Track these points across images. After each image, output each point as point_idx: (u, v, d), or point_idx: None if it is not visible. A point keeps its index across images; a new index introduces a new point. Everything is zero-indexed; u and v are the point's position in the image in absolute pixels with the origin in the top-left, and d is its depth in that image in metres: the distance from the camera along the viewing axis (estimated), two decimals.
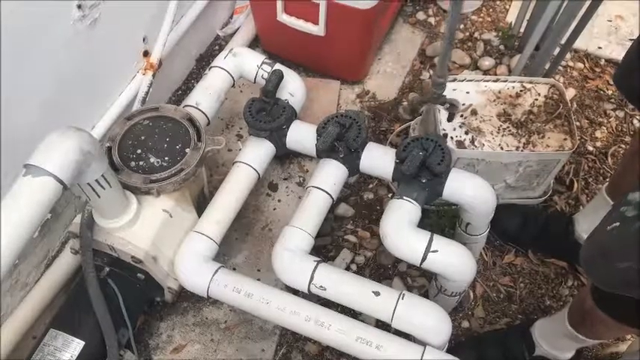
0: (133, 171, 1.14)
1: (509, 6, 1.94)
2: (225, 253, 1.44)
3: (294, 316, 1.03)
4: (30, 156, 0.86)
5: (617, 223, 0.73)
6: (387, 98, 1.73)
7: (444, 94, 1.46)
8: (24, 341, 1.23)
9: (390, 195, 1.55)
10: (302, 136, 1.22)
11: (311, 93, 1.52)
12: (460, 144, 1.31)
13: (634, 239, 0.69)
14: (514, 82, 1.41)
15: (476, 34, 1.86)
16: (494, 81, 1.41)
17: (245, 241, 1.48)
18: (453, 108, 1.53)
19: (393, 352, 0.98)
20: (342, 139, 1.16)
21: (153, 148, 1.18)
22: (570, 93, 1.73)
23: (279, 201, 1.54)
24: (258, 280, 1.13)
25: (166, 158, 1.17)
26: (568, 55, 1.79)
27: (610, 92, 1.74)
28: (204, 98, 1.30)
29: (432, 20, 1.91)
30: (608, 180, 1.54)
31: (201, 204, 1.29)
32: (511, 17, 1.88)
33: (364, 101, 1.72)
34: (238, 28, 1.80)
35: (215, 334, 1.35)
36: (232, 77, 1.35)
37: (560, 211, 1.52)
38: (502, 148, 1.31)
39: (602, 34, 1.86)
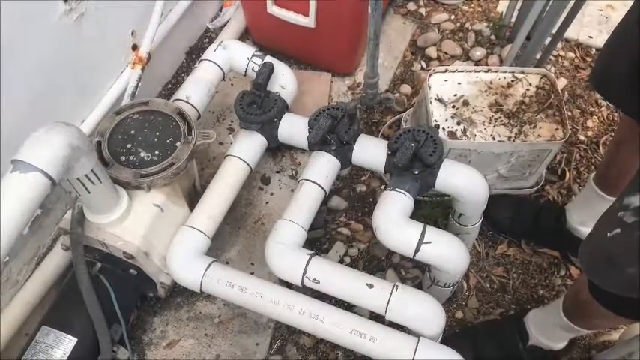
0: (123, 166, 1.13)
1: None
2: (217, 248, 1.43)
3: (288, 309, 1.03)
4: (18, 151, 0.85)
5: (618, 230, 0.73)
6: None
7: (378, 91, 1.55)
8: (16, 338, 1.22)
9: (382, 187, 1.55)
10: (294, 128, 1.22)
11: (302, 85, 1.51)
12: (452, 135, 1.31)
13: (638, 246, 0.70)
14: (505, 72, 1.41)
15: (467, 25, 1.86)
16: (485, 71, 1.41)
17: (238, 235, 1.47)
18: (388, 101, 1.58)
19: (387, 343, 0.98)
20: (333, 132, 1.15)
21: (143, 142, 1.17)
22: (561, 83, 1.73)
23: (271, 194, 1.54)
24: (252, 273, 1.13)
25: (157, 153, 1.16)
26: (559, 45, 1.80)
27: None
28: (195, 92, 1.29)
29: (422, 11, 1.90)
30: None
31: (192, 198, 1.29)
32: (502, 7, 1.87)
33: (356, 93, 1.71)
34: (228, 21, 1.78)
35: (209, 329, 1.35)
36: (222, 70, 1.34)
37: (553, 201, 1.53)
38: (494, 139, 1.31)
39: (592, 23, 1.86)
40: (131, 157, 1.15)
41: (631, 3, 0.95)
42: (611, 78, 1.02)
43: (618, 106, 1.12)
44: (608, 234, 0.75)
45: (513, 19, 1.78)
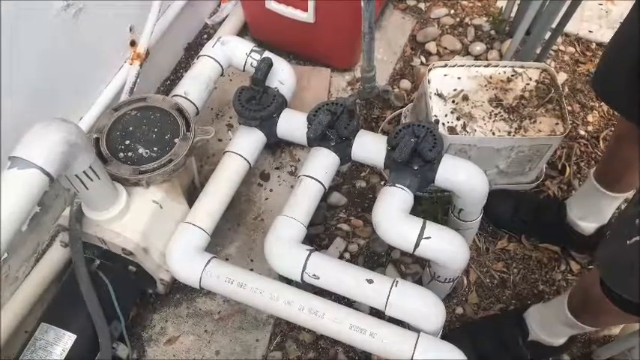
0: (121, 162, 1.13)
1: None
2: (217, 244, 1.43)
3: (288, 305, 1.02)
4: (15, 148, 0.85)
5: (637, 237, 0.73)
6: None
7: (375, 85, 1.59)
8: (15, 336, 1.21)
9: (382, 183, 1.55)
10: (293, 124, 1.21)
11: (301, 81, 1.51)
12: (452, 130, 1.31)
13: None
14: (505, 67, 1.41)
15: (466, 20, 1.85)
16: (485, 66, 1.40)
17: (237, 231, 1.47)
18: (387, 94, 1.58)
19: (387, 339, 0.97)
20: (333, 127, 1.15)
21: (141, 138, 1.16)
22: (562, 77, 1.72)
23: (270, 190, 1.53)
24: (251, 270, 1.13)
25: (155, 149, 1.15)
26: (559, 40, 1.79)
27: None
28: (193, 88, 1.28)
29: (422, 6, 1.89)
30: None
31: (191, 195, 1.28)
32: (501, 2, 1.87)
33: (355, 88, 1.71)
34: (227, 17, 1.78)
35: (209, 325, 1.34)
36: (221, 66, 1.33)
37: (553, 196, 1.52)
38: (494, 134, 1.30)
39: (593, 17, 1.85)
40: (129, 154, 1.14)
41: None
42: (612, 84, 1.02)
43: (619, 112, 1.12)
44: (628, 242, 0.75)
45: (513, 14, 1.77)
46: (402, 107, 1.63)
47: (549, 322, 1.19)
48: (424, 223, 1.05)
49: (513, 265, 1.44)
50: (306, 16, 1.52)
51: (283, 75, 1.31)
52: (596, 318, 1.08)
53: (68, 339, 1.10)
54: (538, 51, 1.64)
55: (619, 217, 0.83)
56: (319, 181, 1.15)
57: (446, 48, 1.79)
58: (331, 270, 1.05)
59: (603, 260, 0.86)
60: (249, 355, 1.31)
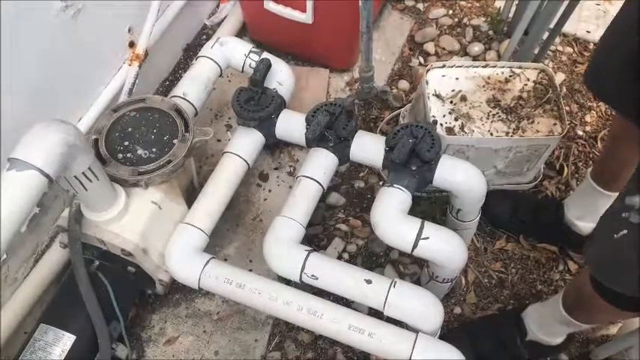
0: (120, 163, 1.13)
1: None
2: (216, 245, 1.43)
3: (286, 305, 1.02)
4: (14, 149, 0.85)
5: (625, 231, 0.73)
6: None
7: (374, 85, 1.58)
8: (15, 337, 1.22)
9: (380, 183, 1.55)
10: (291, 125, 1.21)
11: (300, 82, 1.51)
12: (450, 130, 1.31)
13: None
14: (503, 67, 1.41)
15: (465, 20, 1.85)
16: (483, 67, 1.41)
17: (236, 231, 1.47)
18: (385, 94, 1.58)
19: (386, 339, 0.98)
20: (331, 128, 1.15)
21: (140, 139, 1.16)
22: (559, 77, 1.73)
23: (269, 191, 1.54)
24: (250, 270, 1.13)
25: (154, 150, 1.15)
26: (557, 40, 1.79)
27: None
28: (192, 89, 1.28)
29: (420, 6, 1.89)
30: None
31: (190, 195, 1.28)
32: (500, 2, 1.87)
33: (354, 89, 1.71)
34: (225, 17, 1.78)
35: (208, 326, 1.35)
36: (220, 67, 1.33)
37: (551, 196, 1.53)
38: (492, 134, 1.31)
39: (590, 17, 1.86)
40: (128, 155, 1.15)
41: None
42: (604, 82, 1.02)
43: (614, 109, 1.12)
44: (615, 235, 0.75)
45: (511, 14, 1.77)
46: (400, 108, 1.63)
47: (547, 322, 1.20)
48: (422, 224, 1.05)
49: (511, 265, 1.44)
50: (305, 16, 1.53)
51: (282, 76, 1.31)
52: (589, 315, 1.09)
53: (67, 340, 1.10)
54: (536, 51, 1.65)
55: (605, 212, 0.83)
56: (318, 182, 1.15)
57: (444, 48, 1.79)
58: (330, 270, 1.05)
59: (591, 257, 0.86)
60: (248, 356, 1.31)
